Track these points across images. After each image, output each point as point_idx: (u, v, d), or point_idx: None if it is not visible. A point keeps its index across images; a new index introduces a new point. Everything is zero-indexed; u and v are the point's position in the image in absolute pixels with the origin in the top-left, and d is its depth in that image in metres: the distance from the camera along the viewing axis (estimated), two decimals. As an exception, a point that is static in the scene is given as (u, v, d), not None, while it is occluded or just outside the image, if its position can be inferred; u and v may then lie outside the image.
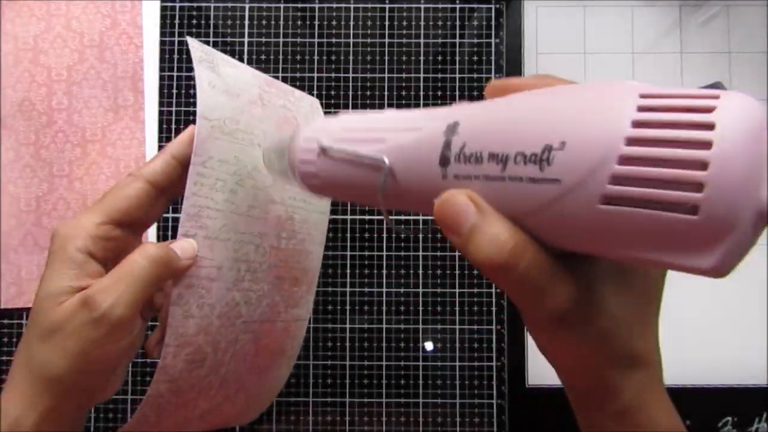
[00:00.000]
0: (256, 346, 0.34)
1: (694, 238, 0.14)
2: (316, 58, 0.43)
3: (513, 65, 0.43)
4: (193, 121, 0.42)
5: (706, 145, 0.14)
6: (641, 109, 0.15)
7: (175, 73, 0.43)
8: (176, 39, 0.43)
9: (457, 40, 0.43)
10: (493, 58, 0.43)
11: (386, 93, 0.43)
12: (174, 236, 0.43)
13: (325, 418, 0.41)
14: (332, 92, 0.43)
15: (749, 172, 0.14)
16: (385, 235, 0.42)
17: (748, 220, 0.14)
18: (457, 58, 0.43)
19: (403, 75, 0.43)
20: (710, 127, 0.14)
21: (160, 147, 0.43)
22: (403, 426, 0.41)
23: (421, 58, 0.43)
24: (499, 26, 0.43)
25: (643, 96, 0.15)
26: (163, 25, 0.43)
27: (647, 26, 0.43)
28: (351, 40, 0.43)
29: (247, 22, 0.43)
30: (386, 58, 0.43)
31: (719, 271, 0.14)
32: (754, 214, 0.14)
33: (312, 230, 0.36)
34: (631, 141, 0.15)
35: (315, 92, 0.43)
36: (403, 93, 0.43)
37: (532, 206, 0.17)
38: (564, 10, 0.43)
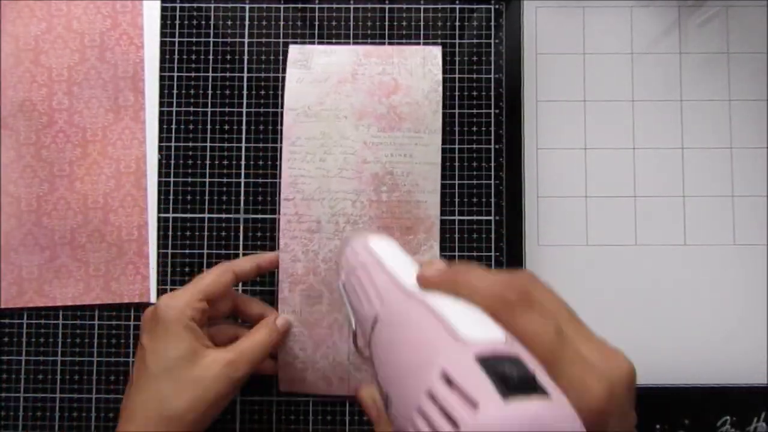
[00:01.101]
0: None
1: None
2: (316, 58, 0.43)
3: (512, 66, 0.43)
4: (194, 121, 0.43)
5: None
6: (428, 395, 0.17)
7: (175, 74, 0.43)
8: (176, 39, 0.43)
9: (457, 41, 0.43)
10: (492, 58, 0.43)
11: (386, 93, 0.43)
12: (170, 242, 0.43)
13: (326, 417, 0.41)
14: (332, 92, 0.43)
15: None
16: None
17: None
18: (457, 59, 0.43)
19: (403, 75, 0.43)
20: None
21: (161, 147, 0.43)
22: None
23: (421, 58, 0.43)
24: (499, 27, 0.43)
25: (441, 375, 0.17)
26: (163, 26, 0.43)
27: (646, 27, 0.43)
28: (351, 41, 0.43)
29: (247, 22, 0.43)
30: (386, 58, 0.43)
31: None
32: None
33: (419, 181, 0.40)
34: (414, 427, 0.17)
35: (315, 92, 0.43)
36: (403, 93, 0.43)
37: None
38: (563, 10, 0.43)
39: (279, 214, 0.41)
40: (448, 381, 0.17)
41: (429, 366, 0.18)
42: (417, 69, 0.41)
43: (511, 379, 0.16)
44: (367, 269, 0.26)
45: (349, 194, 0.40)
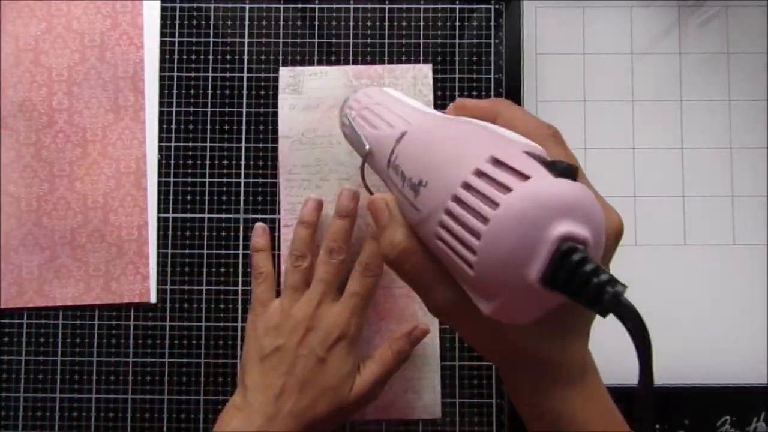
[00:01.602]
0: (376, 310, 0.41)
1: (474, 287, 0.18)
2: (315, 58, 0.43)
3: (512, 66, 0.43)
4: (193, 121, 0.43)
5: (485, 220, 0.16)
6: (476, 173, 0.17)
7: (175, 73, 0.43)
8: (176, 39, 0.43)
9: (457, 41, 0.43)
10: (492, 58, 0.43)
11: (386, 93, 0.43)
12: (167, 238, 0.43)
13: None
14: (332, 92, 0.43)
15: (515, 250, 0.16)
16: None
17: (514, 290, 0.16)
18: (457, 59, 0.43)
19: (403, 75, 0.43)
20: (495, 205, 0.16)
21: (160, 147, 0.43)
22: (403, 425, 0.41)
23: (421, 58, 0.43)
24: (499, 27, 0.43)
25: (490, 159, 0.18)
26: (163, 26, 0.43)
27: (646, 27, 0.43)
28: (351, 40, 0.43)
29: (247, 22, 0.43)
30: (386, 58, 0.43)
31: (497, 316, 0.18)
32: (520, 287, 0.16)
33: None
34: (455, 199, 0.18)
35: (315, 92, 0.43)
36: (403, 93, 0.43)
37: (412, 221, 0.21)
38: (563, 10, 0.43)
39: (278, 249, 0.42)
40: (497, 162, 0.17)
41: (474, 157, 0.18)
42: (408, 89, 0.41)
43: (560, 165, 0.17)
44: (385, 104, 0.28)
45: None
